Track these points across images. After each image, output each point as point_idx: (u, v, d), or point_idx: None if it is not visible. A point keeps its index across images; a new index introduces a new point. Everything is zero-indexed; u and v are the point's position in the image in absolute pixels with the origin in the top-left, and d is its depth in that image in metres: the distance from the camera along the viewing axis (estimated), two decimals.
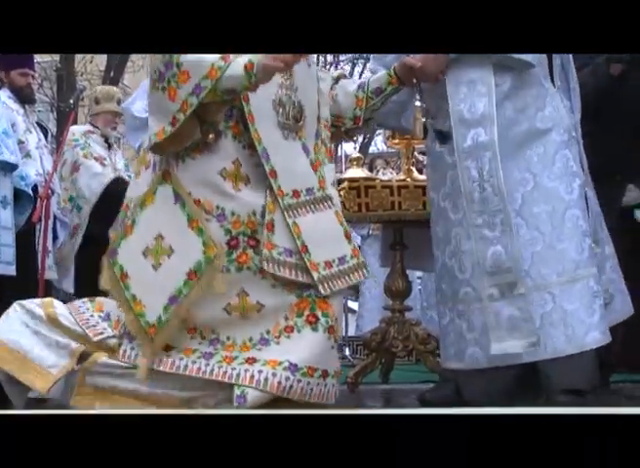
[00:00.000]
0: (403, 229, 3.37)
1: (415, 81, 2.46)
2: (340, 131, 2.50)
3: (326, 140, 2.34)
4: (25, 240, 4.32)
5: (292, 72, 2.17)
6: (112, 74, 10.94)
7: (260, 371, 1.97)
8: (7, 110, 4.43)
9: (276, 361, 1.98)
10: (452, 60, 2.43)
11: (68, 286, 4.77)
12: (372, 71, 2.76)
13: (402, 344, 3.36)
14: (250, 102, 2.11)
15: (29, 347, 2.17)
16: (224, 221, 2.06)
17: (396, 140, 3.37)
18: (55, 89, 10.84)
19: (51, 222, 4.33)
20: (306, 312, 2.06)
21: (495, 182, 2.32)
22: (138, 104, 4.24)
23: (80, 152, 4.86)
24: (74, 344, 2.17)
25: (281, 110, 2.16)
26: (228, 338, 2.07)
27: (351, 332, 5.37)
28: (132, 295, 2.08)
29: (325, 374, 2.00)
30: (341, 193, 3.17)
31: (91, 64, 12.45)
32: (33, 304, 2.26)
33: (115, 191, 4.67)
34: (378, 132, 11.49)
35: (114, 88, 5.66)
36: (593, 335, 2.29)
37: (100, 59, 12.27)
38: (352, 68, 14.74)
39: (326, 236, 2.16)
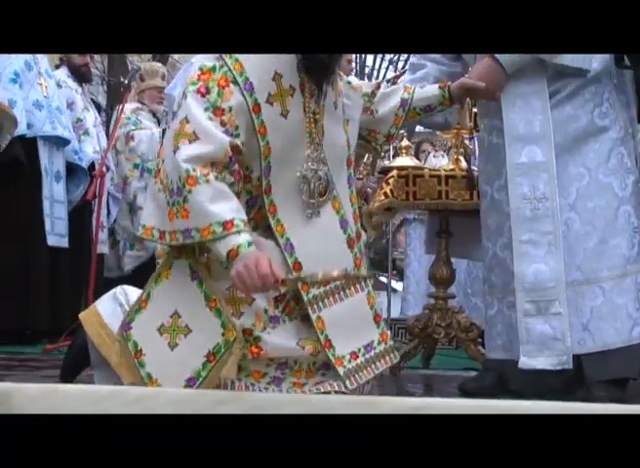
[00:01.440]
0: (449, 218, 3.38)
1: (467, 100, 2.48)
2: (371, 145, 2.38)
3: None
4: (81, 215, 4.51)
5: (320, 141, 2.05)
6: None
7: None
8: (66, 89, 4.56)
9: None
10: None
11: None
12: (413, 66, 2.78)
13: (444, 331, 3.39)
14: (272, 192, 2.00)
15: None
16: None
17: (418, 117, 3.38)
18: (105, 63, 10.99)
19: (104, 199, 4.45)
20: None
21: (549, 205, 2.36)
22: (180, 89, 4.34)
23: (132, 127, 4.99)
24: None
25: (305, 187, 2.03)
26: (295, 363, 2.02)
27: (394, 314, 5.42)
28: (147, 374, 1.97)
29: None
30: (390, 181, 3.21)
31: None
32: (137, 291, 2.19)
33: None
34: None
35: (157, 64, 5.77)
36: (638, 330, 2.34)
37: None
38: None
39: (353, 325, 2.07)
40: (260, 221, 2.02)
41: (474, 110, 3.34)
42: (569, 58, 2.39)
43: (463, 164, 3.34)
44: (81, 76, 4.71)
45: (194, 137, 1.87)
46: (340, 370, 2.00)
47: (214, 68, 1.93)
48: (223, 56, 1.94)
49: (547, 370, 2.34)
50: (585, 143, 2.41)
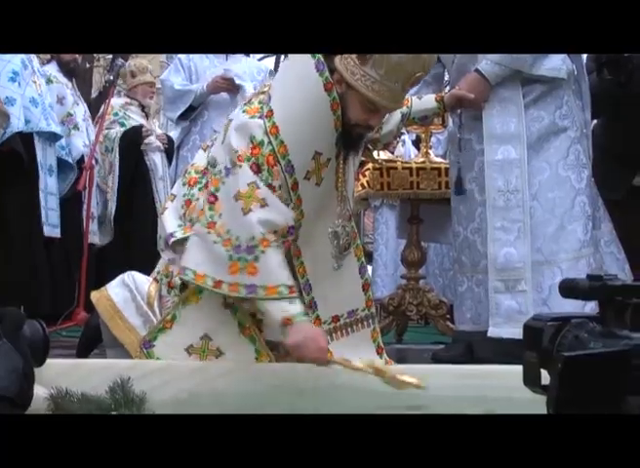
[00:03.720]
0: (419, 206, 3.63)
1: (459, 111, 2.72)
2: (368, 151, 2.55)
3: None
4: (71, 206, 4.60)
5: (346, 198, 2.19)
6: None
7: None
8: (57, 84, 4.61)
9: None
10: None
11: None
12: None
13: (416, 309, 3.66)
14: (298, 240, 2.11)
15: (137, 323, 2.22)
16: None
17: (415, 125, 3.66)
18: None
19: (95, 190, 4.58)
20: None
21: (520, 197, 2.62)
22: (175, 78, 4.48)
23: (118, 125, 5.08)
24: None
25: (335, 243, 2.17)
26: None
27: None
28: None
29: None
30: (366, 173, 3.46)
31: None
32: (144, 279, 2.30)
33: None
34: None
35: (144, 60, 5.94)
36: (590, 306, 2.62)
37: None
38: None
39: (357, 357, 2.12)
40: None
41: None
42: (545, 70, 2.66)
43: (432, 156, 3.63)
44: (71, 71, 4.77)
45: (265, 204, 1.97)
46: None
47: (262, 143, 2.00)
48: (270, 134, 2.01)
49: (509, 339, 2.59)
50: (547, 141, 2.66)
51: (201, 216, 2.06)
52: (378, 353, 2.29)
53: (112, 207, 5.00)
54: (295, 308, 1.95)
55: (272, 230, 1.98)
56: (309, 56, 2.02)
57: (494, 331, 2.63)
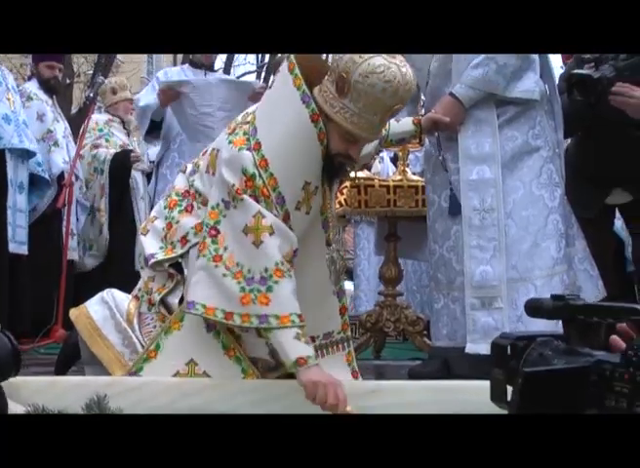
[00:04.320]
0: (397, 223, 3.66)
1: (436, 133, 2.77)
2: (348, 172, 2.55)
3: None
4: (50, 222, 4.63)
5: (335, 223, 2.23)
6: None
7: None
8: (37, 101, 4.64)
9: None
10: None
11: None
12: None
13: (393, 325, 3.67)
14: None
15: (115, 341, 2.22)
16: None
17: (392, 146, 3.70)
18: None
19: (74, 207, 4.59)
20: None
21: (495, 216, 2.66)
22: (147, 97, 4.42)
23: (104, 141, 5.14)
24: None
25: (333, 268, 2.22)
26: None
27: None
28: None
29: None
30: (344, 191, 3.49)
31: None
32: (123, 296, 2.30)
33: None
34: None
35: (124, 77, 5.98)
36: None
37: None
38: None
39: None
40: None
41: None
42: (518, 92, 2.71)
43: (409, 175, 3.67)
44: (51, 88, 4.80)
45: (272, 231, 1.99)
46: None
47: (254, 176, 2.02)
48: (260, 167, 2.02)
49: (485, 355, 2.64)
50: (521, 160, 2.71)
51: (203, 250, 2.05)
52: (353, 377, 2.30)
53: (105, 230, 5.03)
54: (309, 349, 1.96)
55: (286, 256, 2.00)
56: (295, 88, 2.04)
57: (471, 348, 2.65)
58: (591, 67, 2.74)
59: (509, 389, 0.97)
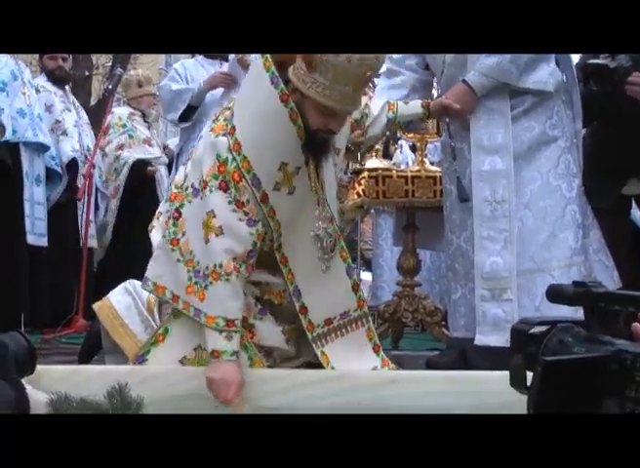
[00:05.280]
0: (415, 213, 3.65)
1: (446, 119, 2.75)
2: (353, 154, 2.64)
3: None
4: (66, 212, 4.65)
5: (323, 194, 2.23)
6: None
7: None
8: (45, 93, 4.65)
9: None
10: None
11: None
12: (390, 72, 2.98)
13: (412, 316, 3.67)
14: (282, 248, 2.19)
15: (137, 329, 2.28)
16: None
17: (411, 134, 3.70)
18: (70, 57, 11.03)
19: (93, 197, 4.61)
20: None
21: (506, 207, 2.64)
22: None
23: (128, 137, 5.17)
24: None
25: (319, 245, 2.22)
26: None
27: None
28: None
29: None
30: (362, 182, 3.49)
31: None
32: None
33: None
34: None
35: (149, 72, 6.00)
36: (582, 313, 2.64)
37: None
38: None
39: (355, 356, 2.25)
40: (269, 262, 2.21)
41: None
42: (531, 82, 2.68)
43: (427, 165, 3.66)
44: (58, 79, 4.80)
45: (220, 232, 2.04)
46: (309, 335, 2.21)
47: (227, 161, 2.06)
48: (233, 151, 2.07)
49: (501, 347, 2.58)
50: (538, 150, 2.69)
51: (165, 230, 2.14)
52: (374, 351, 2.33)
53: (109, 231, 5.09)
54: (227, 346, 2.02)
55: (231, 257, 2.05)
56: (265, 70, 2.06)
57: (480, 339, 2.65)
58: (607, 57, 2.72)
59: (529, 375, 0.97)
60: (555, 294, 1.06)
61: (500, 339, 2.57)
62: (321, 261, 2.24)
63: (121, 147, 5.15)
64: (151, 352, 2.17)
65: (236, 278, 2.05)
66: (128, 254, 4.97)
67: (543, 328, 0.99)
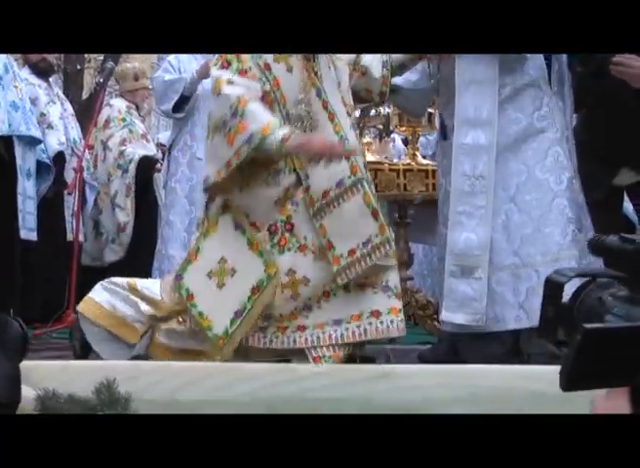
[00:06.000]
0: (407, 207, 3.68)
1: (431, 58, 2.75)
2: (369, 100, 2.79)
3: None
4: (54, 206, 4.61)
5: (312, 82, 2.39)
6: None
7: (311, 334, 2.31)
8: (28, 86, 4.54)
9: (322, 323, 2.32)
10: (463, 60, 2.65)
11: None
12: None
13: (404, 309, 3.73)
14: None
15: (118, 306, 2.43)
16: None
17: (403, 127, 3.70)
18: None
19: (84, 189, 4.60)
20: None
21: (485, 183, 2.60)
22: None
23: (128, 131, 5.16)
24: (146, 307, 2.43)
25: (299, 124, 2.36)
26: (281, 315, 2.33)
27: None
28: (199, 312, 2.30)
29: (375, 314, 2.41)
30: None
31: None
32: (118, 279, 2.53)
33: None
34: None
35: (143, 64, 5.98)
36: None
37: None
38: None
39: (351, 224, 2.34)
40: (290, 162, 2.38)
41: (429, 111, 3.66)
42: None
43: (419, 158, 3.66)
44: (42, 72, 4.75)
45: (231, 82, 2.25)
46: (335, 268, 2.30)
47: None
48: None
49: (490, 341, 2.60)
50: (525, 143, 2.65)
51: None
52: (373, 216, 2.36)
53: (130, 229, 5.05)
54: (288, 129, 2.22)
55: (244, 94, 2.24)
56: None
57: (446, 316, 2.66)
58: None
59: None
60: (598, 247, 1.00)
61: (466, 317, 2.59)
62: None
63: (123, 142, 5.13)
64: (187, 270, 2.38)
65: (256, 100, 2.25)
66: (135, 252, 5.01)
67: (581, 281, 0.92)
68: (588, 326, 0.80)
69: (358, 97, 2.70)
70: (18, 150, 4.15)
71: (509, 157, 2.65)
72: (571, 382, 0.81)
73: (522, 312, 2.59)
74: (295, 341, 2.32)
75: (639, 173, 3.01)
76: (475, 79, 2.66)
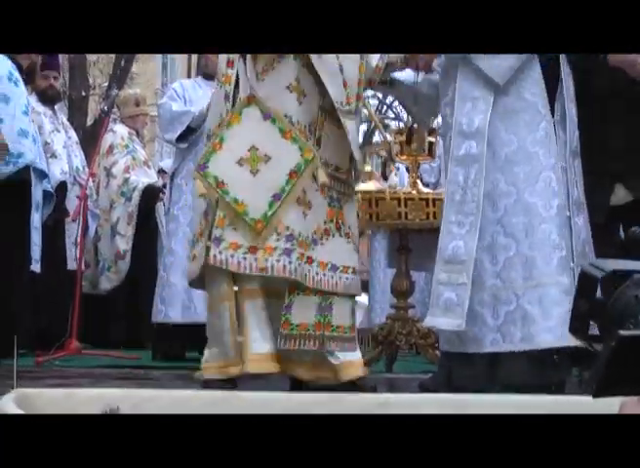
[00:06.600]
0: (408, 235, 3.70)
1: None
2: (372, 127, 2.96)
3: None
4: (55, 234, 4.66)
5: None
6: (123, 63, 10.89)
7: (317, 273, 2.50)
8: (33, 114, 4.51)
9: (324, 263, 2.51)
10: (462, 73, 2.73)
11: None
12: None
13: (405, 338, 3.70)
14: None
15: None
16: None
17: (404, 156, 3.75)
18: (67, 77, 11.08)
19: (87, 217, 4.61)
20: (335, 219, 2.57)
21: (476, 191, 2.64)
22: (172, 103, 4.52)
23: (132, 158, 5.23)
24: None
25: None
26: (300, 234, 2.47)
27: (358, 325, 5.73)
28: (233, 199, 2.43)
29: (349, 270, 2.59)
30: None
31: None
32: None
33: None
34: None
35: (145, 92, 6.07)
36: (545, 337, 2.54)
37: None
38: None
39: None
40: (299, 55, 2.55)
41: (430, 139, 3.73)
42: (485, 64, 2.66)
43: (420, 187, 3.72)
44: (49, 99, 4.82)
45: None
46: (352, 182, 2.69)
47: None
48: None
49: (475, 362, 2.64)
50: (517, 165, 2.67)
51: None
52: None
53: (128, 257, 5.10)
54: None
55: None
56: None
57: (430, 321, 2.73)
58: None
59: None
60: (635, 241, 0.98)
61: (448, 322, 2.63)
62: None
63: (127, 169, 5.19)
64: (210, 160, 2.46)
65: None
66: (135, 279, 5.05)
67: (617, 276, 0.88)
68: (624, 333, 0.78)
69: None
70: (32, 181, 4.19)
71: (500, 178, 2.68)
72: (601, 388, 0.80)
73: (499, 335, 2.61)
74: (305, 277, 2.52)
75: (632, 190, 3.00)
76: (471, 96, 2.73)
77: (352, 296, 2.75)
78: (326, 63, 2.52)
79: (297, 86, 2.51)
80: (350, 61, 2.60)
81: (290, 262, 2.44)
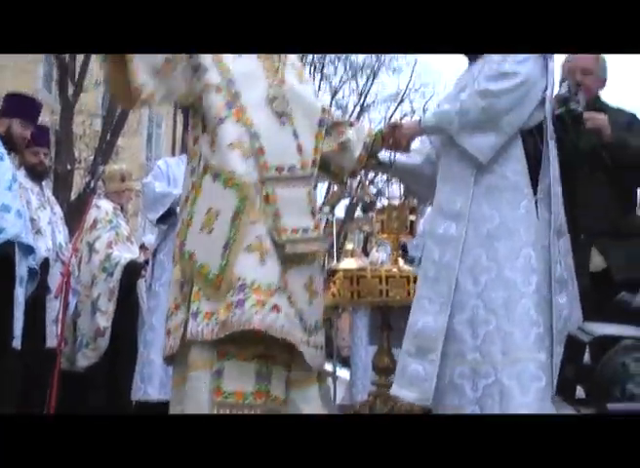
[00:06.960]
0: (390, 313, 3.74)
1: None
2: (337, 179, 3.03)
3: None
4: (35, 311, 4.48)
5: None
6: (109, 137, 11.07)
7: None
8: (21, 189, 4.50)
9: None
10: (445, 154, 2.85)
11: None
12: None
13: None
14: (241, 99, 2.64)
15: None
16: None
17: (385, 234, 3.83)
18: (52, 152, 11.17)
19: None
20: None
21: (450, 272, 2.73)
22: (157, 182, 4.56)
23: (115, 234, 5.25)
24: None
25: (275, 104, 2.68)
26: (253, 283, 2.47)
27: (338, 401, 5.68)
28: (200, 265, 2.51)
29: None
30: (336, 282, 3.61)
31: (90, 127, 12.89)
32: None
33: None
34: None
35: (130, 167, 6.13)
36: (522, 412, 2.52)
37: (97, 121, 12.72)
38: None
39: (297, 208, 2.63)
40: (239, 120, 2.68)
41: (411, 218, 3.81)
42: (467, 142, 2.75)
43: (401, 264, 3.77)
44: (37, 175, 4.83)
45: None
46: (284, 237, 2.58)
47: None
48: None
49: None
50: (497, 240, 2.73)
51: None
52: (312, 214, 2.71)
53: (108, 334, 5.05)
54: None
55: None
56: None
57: (395, 390, 2.79)
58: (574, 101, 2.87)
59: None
60: (621, 307, 0.99)
61: (414, 395, 2.70)
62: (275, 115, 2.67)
63: (110, 244, 5.20)
64: (187, 236, 2.63)
65: None
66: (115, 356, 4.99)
67: (605, 342, 0.90)
68: (612, 406, 0.82)
69: (326, 171, 2.90)
70: (17, 257, 4.18)
71: (481, 253, 2.74)
72: None
73: (477, 408, 2.65)
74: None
75: (601, 251, 3.08)
76: (451, 177, 2.82)
77: None
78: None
79: (239, 143, 2.61)
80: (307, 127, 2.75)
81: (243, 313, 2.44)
